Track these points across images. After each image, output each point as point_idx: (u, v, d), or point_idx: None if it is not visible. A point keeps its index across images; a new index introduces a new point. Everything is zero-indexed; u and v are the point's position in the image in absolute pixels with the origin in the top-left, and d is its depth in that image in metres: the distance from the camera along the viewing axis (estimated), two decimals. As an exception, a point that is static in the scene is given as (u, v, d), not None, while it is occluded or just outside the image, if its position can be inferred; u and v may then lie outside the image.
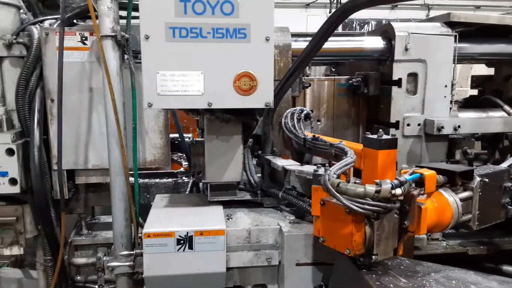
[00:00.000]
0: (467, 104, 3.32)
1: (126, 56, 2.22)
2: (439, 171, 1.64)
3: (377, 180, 1.35)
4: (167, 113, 2.55)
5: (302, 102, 2.92)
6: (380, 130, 1.71)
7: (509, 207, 1.87)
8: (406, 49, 2.59)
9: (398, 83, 2.62)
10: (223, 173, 2.08)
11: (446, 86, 2.68)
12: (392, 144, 1.67)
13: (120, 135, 2.13)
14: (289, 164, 2.05)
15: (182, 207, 2.10)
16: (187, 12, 1.71)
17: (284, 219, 1.99)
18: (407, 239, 1.60)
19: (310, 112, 2.41)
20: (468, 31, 2.89)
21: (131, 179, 2.33)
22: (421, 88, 2.64)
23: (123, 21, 2.15)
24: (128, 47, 2.16)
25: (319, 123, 2.90)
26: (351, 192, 1.30)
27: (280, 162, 2.07)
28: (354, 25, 11.69)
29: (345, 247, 1.39)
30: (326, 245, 1.50)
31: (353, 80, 2.83)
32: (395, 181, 1.32)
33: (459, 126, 2.59)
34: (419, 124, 2.64)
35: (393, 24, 2.68)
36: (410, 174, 1.43)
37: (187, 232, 1.80)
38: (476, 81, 3.88)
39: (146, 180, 3.17)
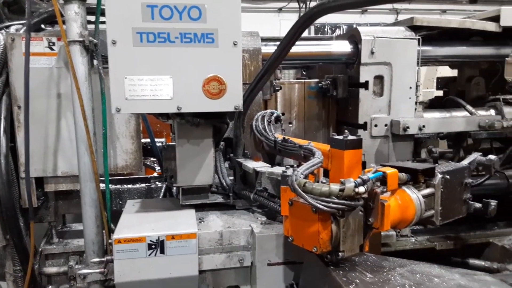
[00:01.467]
0: (432, 104, 3.46)
1: (95, 61, 2.21)
2: (402, 169, 1.70)
3: (342, 179, 1.39)
4: (138, 118, 2.54)
5: (274, 105, 2.98)
6: (346, 131, 1.77)
7: (470, 202, 1.96)
8: (372, 53, 2.68)
9: (365, 85, 2.70)
10: (194, 176, 2.09)
11: (411, 87, 2.78)
12: (357, 144, 1.73)
13: (89, 141, 2.10)
14: (260, 166, 2.09)
15: (154, 212, 2.09)
16: (154, 17, 1.72)
17: (256, 220, 2.02)
18: (373, 235, 1.66)
19: (281, 114, 2.45)
20: (431, 35, 3.02)
21: (102, 185, 2.31)
22: (387, 90, 2.73)
23: (92, 26, 2.14)
24: (97, 52, 2.14)
25: (290, 125, 2.95)
26: (317, 191, 1.34)
27: (251, 164, 2.10)
28: (326, 29, 11.92)
29: (312, 245, 1.43)
30: (295, 244, 1.54)
31: (323, 83, 2.90)
32: (359, 180, 1.37)
33: (423, 126, 2.69)
34: (386, 125, 2.72)
35: (360, 28, 2.77)
36: (373, 173, 1.48)
37: (158, 237, 1.80)
38: (441, 82, 4.04)
39: (118, 186, 3.14)
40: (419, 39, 2.77)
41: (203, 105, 1.80)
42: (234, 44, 1.79)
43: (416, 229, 3.01)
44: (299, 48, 2.81)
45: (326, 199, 1.34)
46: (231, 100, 1.82)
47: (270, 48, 2.70)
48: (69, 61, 1.98)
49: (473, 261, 2.85)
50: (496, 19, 2.82)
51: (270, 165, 2.13)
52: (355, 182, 1.36)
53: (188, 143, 2.06)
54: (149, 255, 1.80)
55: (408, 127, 2.65)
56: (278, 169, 1.98)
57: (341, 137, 1.71)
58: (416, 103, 2.82)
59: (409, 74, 2.76)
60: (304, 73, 3.60)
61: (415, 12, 11.31)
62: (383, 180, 1.56)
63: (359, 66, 2.69)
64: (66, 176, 2.36)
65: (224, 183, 2.21)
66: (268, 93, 2.87)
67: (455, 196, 1.87)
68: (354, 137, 1.73)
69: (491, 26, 2.85)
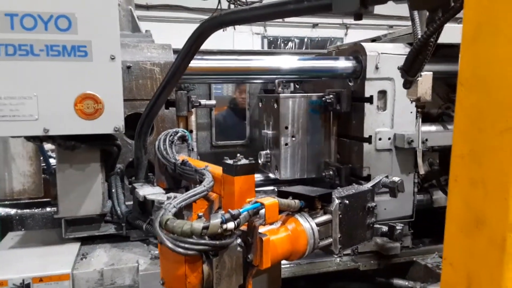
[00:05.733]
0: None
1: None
2: (297, 195, 1.57)
3: (213, 214, 1.23)
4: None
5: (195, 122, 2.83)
6: (238, 154, 1.62)
7: (376, 226, 1.86)
8: (377, 68, 2.64)
9: (370, 100, 2.66)
10: (80, 205, 1.86)
11: (412, 102, 2.75)
12: (249, 169, 1.58)
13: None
14: (153, 193, 1.88)
15: (32, 248, 1.83)
16: (15, 27, 1.50)
17: (148, 254, 1.81)
18: (272, 267, 1.51)
19: (186, 133, 2.27)
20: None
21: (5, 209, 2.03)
22: (390, 105, 2.70)
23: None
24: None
25: (294, 138, 2.85)
26: (178, 230, 1.17)
27: (143, 191, 1.89)
28: (278, 42, 12.01)
29: (180, 290, 1.25)
30: None
31: (326, 97, 2.82)
32: (227, 215, 1.21)
33: (426, 140, 2.63)
34: (389, 138, 2.69)
35: (364, 44, 2.73)
36: (252, 204, 1.33)
37: (23, 280, 1.55)
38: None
39: (25, 210, 2.82)
40: None
41: (76, 127, 1.59)
42: (112, 58, 1.60)
43: (342, 249, 2.90)
44: (306, 63, 2.81)
45: (188, 239, 1.17)
46: (110, 120, 1.62)
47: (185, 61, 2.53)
48: None
49: (397, 281, 2.77)
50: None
51: (163, 192, 1.93)
52: (222, 218, 1.19)
53: (71, 168, 1.83)
54: (12, 301, 1.55)
55: (412, 141, 2.59)
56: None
57: (231, 161, 1.56)
58: (416, 117, 2.79)
59: (410, 89, 2.74)
60: (297, 86, 3.51)
61: (364, 27, 11.61)
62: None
63: (363, 81, 2.66)
64: None
65: (119, 211, 1.98)
66: (185, 109, 2.70)
67: (357, 222, 1.75)
68: (246, 162, 1.58)
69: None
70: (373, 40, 3.02)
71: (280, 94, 2.81)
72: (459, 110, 0.66)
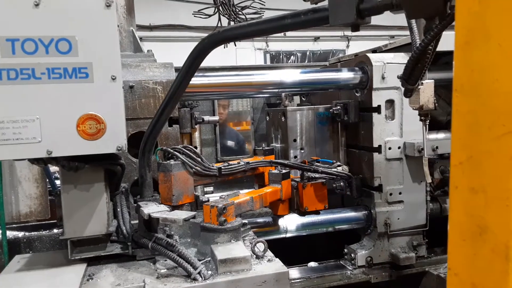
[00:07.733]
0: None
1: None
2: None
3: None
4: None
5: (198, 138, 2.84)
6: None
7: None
8: (383, 78, 2.66)
9: (378, 109, 2.68)
10: (85, 226, 1.85)
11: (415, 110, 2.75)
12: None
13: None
14: (158, 210, 1.88)
15: (38, 270, 1.83)
16: (16, 52, 1.53)
17: (154, 272, 1.79)
18: None
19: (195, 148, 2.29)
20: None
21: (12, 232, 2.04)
22: (398, 113, 2.71)
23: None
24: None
25: (302, 151, 2.89)
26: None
27: (148, 209, 1.89)
28: (281, 57, 12.11)
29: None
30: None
31: (334, 108, 2.84)
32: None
33: (437, 147, 2.63)
34: (399, 147, 2.70)
35: (369, 55, 2.75)
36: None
37: (29, 303, 1.55)
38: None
39: (29, 233, 2.82)
40: None
41: (79, 148, 1.60)
42: (113, 79, 1.61)
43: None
44: (314, 75, 2.84)
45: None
46: (112, 140, 1.63)
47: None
48: None
49: (410, 293, 2.71)
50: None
51: (169, 209, 1.92)
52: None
53: (76, 188, 1.83)
54: (18, 325, 1.54)
55: (422, 149, 2.57)
56: (174, 215, 1.79)
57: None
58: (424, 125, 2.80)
59: (416, 97, 2.74)
60: (304, 99, 3.53)
61: (365, 38, 11.68)
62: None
63: (370, 91, 2.68)
64: None
65: (124, 230, 1.97)
66: (189, 126, 2.72)
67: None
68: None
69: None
70: (374, 51, 3.03)
71: (288, 107, 2.83)
72: (456, 116, 0.66)
